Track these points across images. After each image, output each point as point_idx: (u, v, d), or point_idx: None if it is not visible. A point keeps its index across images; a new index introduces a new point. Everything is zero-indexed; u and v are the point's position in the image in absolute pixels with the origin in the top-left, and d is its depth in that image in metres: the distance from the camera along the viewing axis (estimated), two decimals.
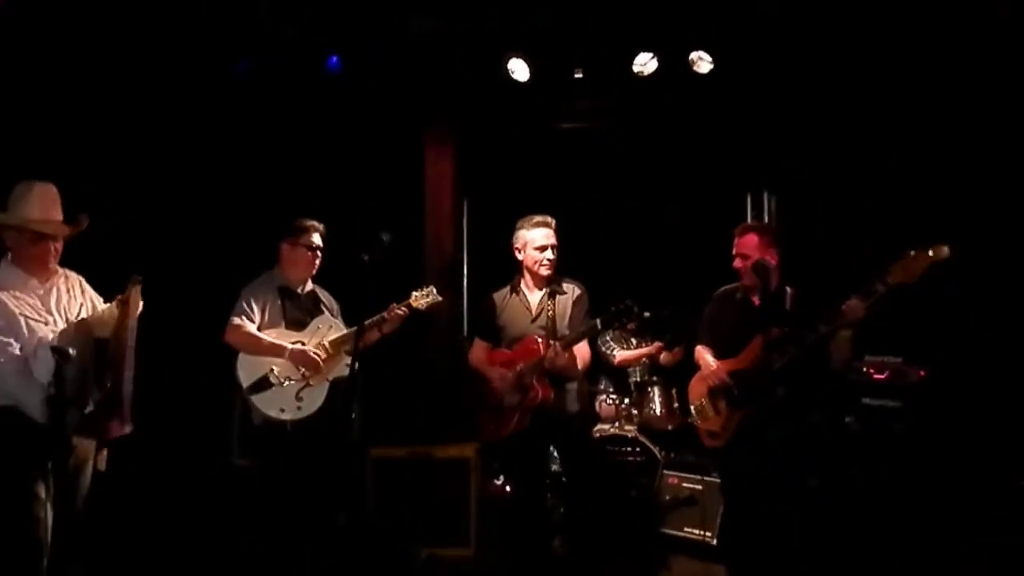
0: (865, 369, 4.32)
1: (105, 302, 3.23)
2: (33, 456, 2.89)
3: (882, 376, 4.29)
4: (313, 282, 3.99)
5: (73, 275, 3.24)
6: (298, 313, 3.87)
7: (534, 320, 3.80)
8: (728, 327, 3.61)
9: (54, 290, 3.11)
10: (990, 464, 3.79)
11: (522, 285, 3.87)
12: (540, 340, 3.68)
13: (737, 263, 3.53)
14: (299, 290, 3.92)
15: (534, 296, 3.85)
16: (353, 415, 3.83)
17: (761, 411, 3.39)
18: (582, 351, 3.77)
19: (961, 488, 3.87)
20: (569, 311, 3.78)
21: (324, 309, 3.97)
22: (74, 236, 3.14)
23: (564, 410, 3.71)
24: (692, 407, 3.77)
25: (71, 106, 4.11)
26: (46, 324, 3.01)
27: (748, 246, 3.49)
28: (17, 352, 2.90)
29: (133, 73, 4.39)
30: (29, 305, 3.01)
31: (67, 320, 3.09)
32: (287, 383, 3.71)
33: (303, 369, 3.73)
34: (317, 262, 3.91)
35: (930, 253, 3.09)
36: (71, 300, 3.16)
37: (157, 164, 4.53)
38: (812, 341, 3.27)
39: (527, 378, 3.66)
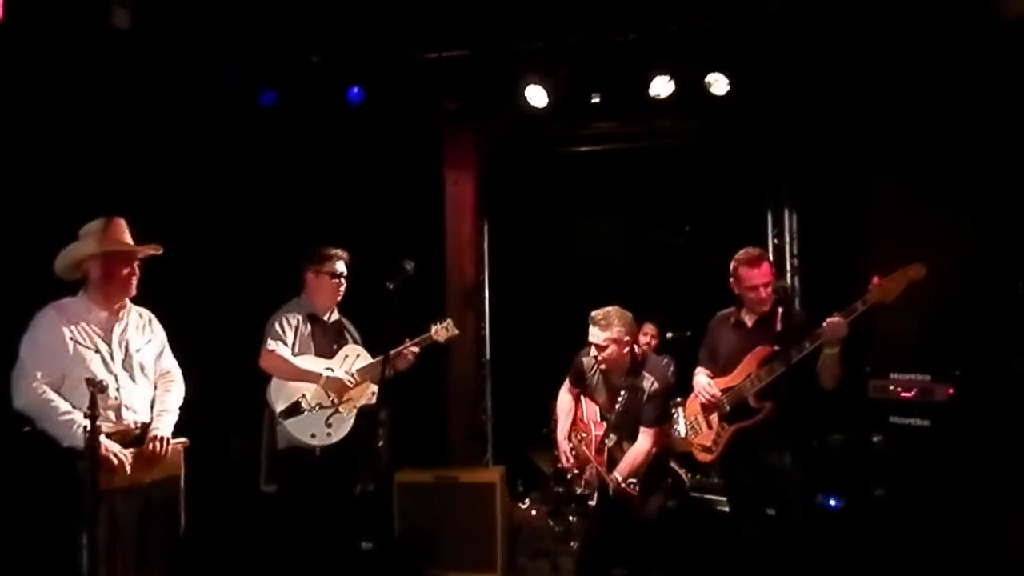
0: (892, 387, 4.29)
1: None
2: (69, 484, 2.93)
3: (909, 394, 4.26)
4: (338, 310, 4.03)
5: (146, 313, 3.38)
6: (326, 341, 3.91)
7: (609, 400, 3.93)
8: (724, 348, 3.75)
9: (121, 323, 3.23)
10: (1016, 482, 3.74)
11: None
12: (598, 434, 3.89)
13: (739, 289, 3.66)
14: (326, 318, 3.96)
15: (616, 382, 3.91)
16: (381, 442, 3.90)
17: (753, 426, 3.53)
18: (637, 451, 3.82)
19: (990, 506, 3.82)
20: (640, 406, 3.84)
21: (349, 338, 4.01)
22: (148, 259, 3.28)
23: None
24: (687, 424, 3.91)
25: (99, 137, 4.21)
26: (96, 352, 3.12)
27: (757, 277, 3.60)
28: (42, 386, 2.98)
29: (160, 104, 4.49)
30: (86, 333, 3.12)
31: (126, 352, 3.21)
32: (318, 410, 3.75)
33: (333, 396, 3.77)
34: (342, 289, 3.94)
35: (908, 273, 3.22)
36: (137, 335, 3.28)
37: (182, 191, 4.61)
38: (798, 359, 3.33)
39: (586, 471, 3.92)
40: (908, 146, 4.85)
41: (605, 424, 3.92)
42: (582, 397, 4.11)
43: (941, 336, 4.51)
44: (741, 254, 3.63)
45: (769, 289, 3.54)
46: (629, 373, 3.85)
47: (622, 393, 3.81)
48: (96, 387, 2.87)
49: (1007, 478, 3.87)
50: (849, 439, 4.31)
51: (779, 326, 3.45)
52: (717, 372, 3.75)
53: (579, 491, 4.34)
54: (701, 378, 3.79)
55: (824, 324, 3.29)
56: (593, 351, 3.82)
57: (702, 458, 3.81)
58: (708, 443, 3.73)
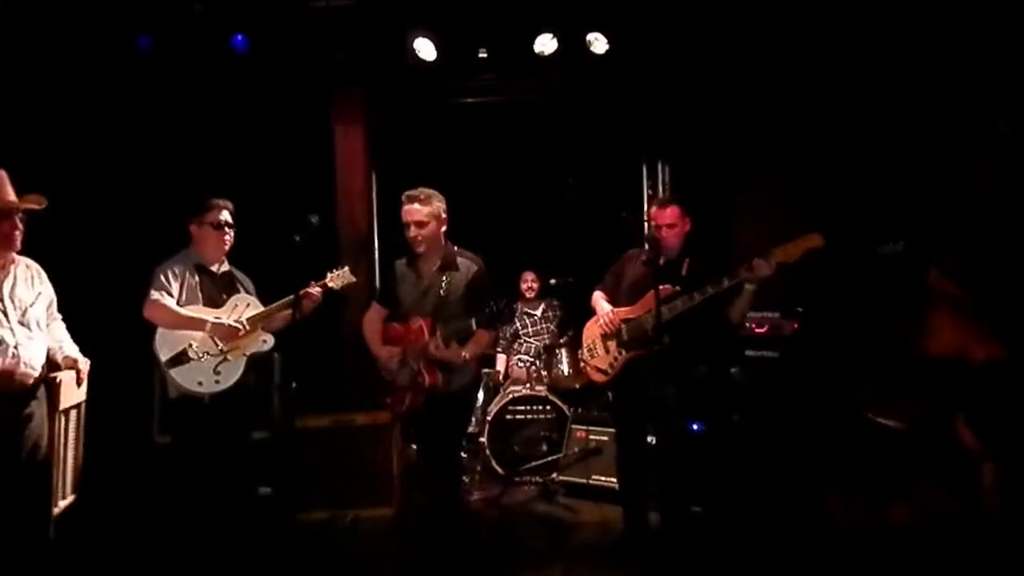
0: (748, 324, 4.83)
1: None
2: None
3: (762, 330, 4.81)
4: (228, 262, 4.03)
5: (34, 265, 3.31)
6: (215, 291, 3.92)
7: (425, 294, 3.75)
8: (631, 278, 4.04)
9: (9, 278, 3.16)
10: (845, 402, 4.33)
11: (418, 257, 3.80)
12: (424, 325, 3.64)
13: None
14: (215, 269, 3.96)
15: (426, 269, 3.79)
16: (277, 386, 4.01)
17: (647, 355, 3.83)
18: (478, 339, 3.68)
19: (823, 423, 4.41)
20: (463, 290, 3.71)
21: (240, 288, 4.03)
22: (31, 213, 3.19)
23: (450, 391, 3.70)
24: (584, 346, 4.16)
25: None
26: None
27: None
28: None
29: (35, 46, 4.27)
30: None
31: (18, 308, 3.15)
32: (205, 357, 3.78)
33: (221, 344, 3.81)
34: (228, 239, 3.92)
35: (809, 241, 3.63)
36: (27, 288, 3.22)
37: (64, 142, 4.44)
38: (700, 300, 3.71)
39: (414, 363, 3.67)
40: (777, 103, 5.30)
41: (432, 318, 3.65)
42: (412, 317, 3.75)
43: (790, 282, 5.07)
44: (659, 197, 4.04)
45: (673, 231, 3.86)
46: (444, 256, 3.76)
47: (444, 278, 3.69)
48: None
49: (835, 399, 4.47)
50: (712, 370, 4.82)
51: (684, 272, 3.81)
52: (621, 300, 4.02)
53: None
54: (604, 304, 4.05)
55: (753, 263, 3.60)
56: (412, 230, 3.66)
57: (597, 378, 4.08)
58: (604, 366, 4.02)
